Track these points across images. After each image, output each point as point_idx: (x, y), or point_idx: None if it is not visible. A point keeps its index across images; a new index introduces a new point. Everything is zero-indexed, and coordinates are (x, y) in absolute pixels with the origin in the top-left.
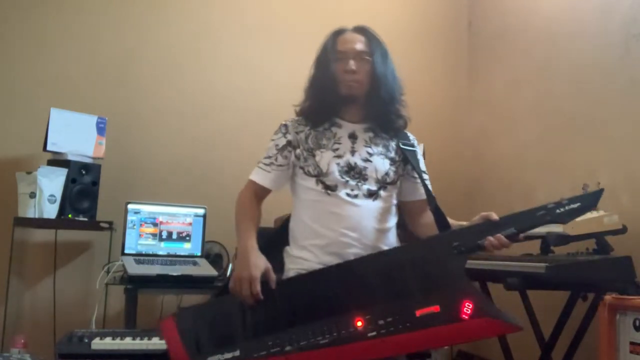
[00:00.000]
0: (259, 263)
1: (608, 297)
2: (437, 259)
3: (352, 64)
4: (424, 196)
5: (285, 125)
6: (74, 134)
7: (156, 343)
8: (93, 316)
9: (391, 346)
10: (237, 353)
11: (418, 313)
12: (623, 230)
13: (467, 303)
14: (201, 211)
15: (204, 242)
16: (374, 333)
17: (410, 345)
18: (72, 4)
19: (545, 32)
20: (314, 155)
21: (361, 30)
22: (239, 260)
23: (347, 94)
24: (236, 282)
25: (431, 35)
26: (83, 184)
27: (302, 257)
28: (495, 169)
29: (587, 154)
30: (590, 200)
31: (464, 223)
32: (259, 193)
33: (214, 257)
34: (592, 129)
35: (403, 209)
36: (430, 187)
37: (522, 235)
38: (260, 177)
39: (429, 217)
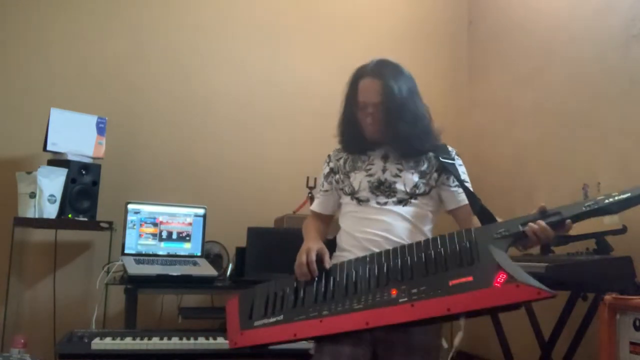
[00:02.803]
0: (318, 243)
1: (608, 297)
2: (479, 242)
3: (369, 120)
4: (466, 201)
5: (329, 156)
6: (74, 134)
7: (156, 343)
8: (93, 316)
9: (420, 310)
10: (280, 317)
11: (451, 283)
12: (623, 230)
13: (502, 274)
14: (201, 211)
15: (204, 242)
16: (404, 299)
17: (438, 310)
18: (72, 5)
19: (545, 32)
20: (349, 177)
21: (378, 74)
22: (301, 248)
23: (371, 139)
24: (297, 259)
25: (431, 35)
26: (83, 184)
27: (342, 256)
28: (495, 169)
29: (587, 154)
30: None
31: None
32: (319, 217)
33: (214, 257)
34: (592, 129)
35: (454, 219)
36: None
37: (568, 221)
38: (313, 206)
39: (477, 221)
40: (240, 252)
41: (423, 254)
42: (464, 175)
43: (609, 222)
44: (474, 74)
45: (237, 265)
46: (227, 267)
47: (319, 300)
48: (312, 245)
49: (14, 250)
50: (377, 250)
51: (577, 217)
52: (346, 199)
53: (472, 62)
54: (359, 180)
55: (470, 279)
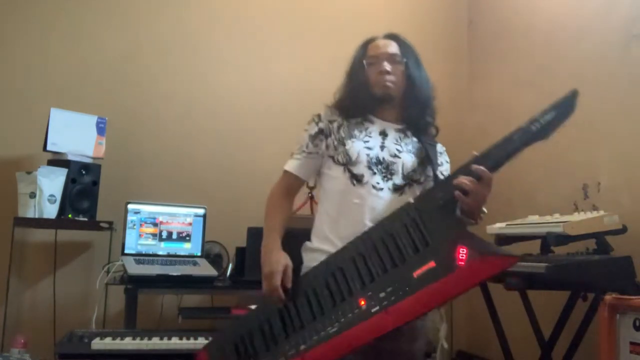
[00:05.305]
0: (280, 260)
1: (608, 297)
2: (425, 216)
3: (386, 65)
4: None
5: (319, 115)
6: (74, 134)
7: (156, 343)
8: (93, 316)
9: (396, 316)
10: None
11: (415, 274)
12: (623, 230)
13: (461, 249)
14: (201, 211)
15: (203, 242)
16: (376, 308)
17: (415, 309)
18: (72, 5)
19: (545, 31)
20: (344, 144)
21: (392, 36)
22: (262, 259)
23: (383, 93)
24: (263, 280)
25: (431, 34)
26: (83, 184)
27: (322, 250)
28: None
29: (587, 154)
30: (565, 106)
31: None
32: (291, 184)
33: (214, 257)
34: (593, 129)
35: None
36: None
37: (502, 160)
38: (290, 165)
39: None
40: (240, 252)
41: (374, 247)
42: (447, 173)
43: (608, 222)
44: (474, 74)
45: (237, 265)
46: (227, 267)
47: (289, 333)
48: (274, 265)
49: (14, 250)
50: None
51: (510, 157)
52: (336, 171)
53: (472, 62)
54: (357, 150)
55: (432, 264)
